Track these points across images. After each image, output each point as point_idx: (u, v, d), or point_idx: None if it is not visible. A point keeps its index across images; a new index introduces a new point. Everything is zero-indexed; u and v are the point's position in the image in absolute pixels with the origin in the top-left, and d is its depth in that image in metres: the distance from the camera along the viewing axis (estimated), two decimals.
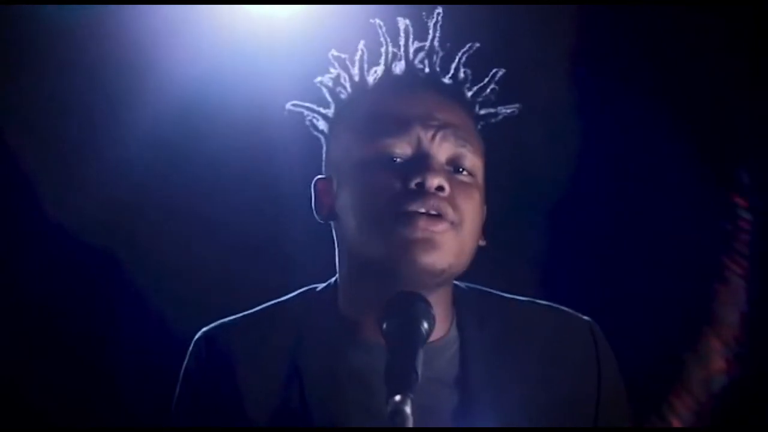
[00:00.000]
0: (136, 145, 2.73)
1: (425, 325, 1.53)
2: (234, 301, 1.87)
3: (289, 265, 2.61)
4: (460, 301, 1.79)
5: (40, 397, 2.77)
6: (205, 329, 1.81)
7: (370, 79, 1.80)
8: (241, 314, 1.83)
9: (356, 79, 1.80)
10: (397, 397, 1.36)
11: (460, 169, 1.72)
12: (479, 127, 1.82)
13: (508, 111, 1.83)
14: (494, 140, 1.82)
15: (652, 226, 2.64)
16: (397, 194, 1.67)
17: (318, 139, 1.85)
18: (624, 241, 2.67)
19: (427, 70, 1.79)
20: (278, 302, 1.83)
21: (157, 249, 2.77)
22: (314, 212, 1.80)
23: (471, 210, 1.70)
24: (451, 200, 1.68)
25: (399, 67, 1.79)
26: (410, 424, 1.34)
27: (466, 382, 1.72)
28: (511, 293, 1.87)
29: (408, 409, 1.35)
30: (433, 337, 1.68)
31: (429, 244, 1.65)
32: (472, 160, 1.73)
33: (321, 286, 1.82)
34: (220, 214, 2.79)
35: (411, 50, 1.78)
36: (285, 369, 1.72)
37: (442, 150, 1.71)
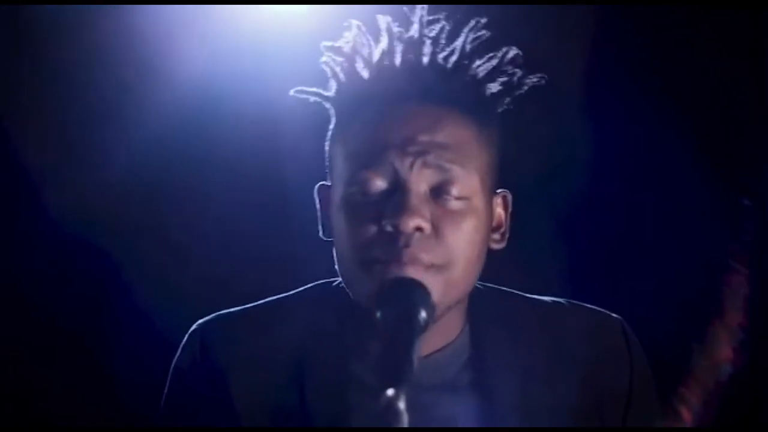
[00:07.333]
0: (142, 143, 2.73)
1: (423, 314, 1.43)
2: (239, 300, 1.83)
3: (296, 264, 2.58)
4: (476, 303, 1.69)
5: (39, 396, 2.77)
6: (201, 321, 1.72)
7: (365, 73, 1.63)
8: (242, 306, 1.74)
9: (348, 73, 1.65)
10: (390, 392, 1.24)
11: (447, 197, 1.56)
12: (504, 107, 1.66)
13: (535, 80, 1.65)
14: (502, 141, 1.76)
15: (661, 219, 2.63)
16: (370, 240, 1.54)
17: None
18: (632, 234, 2.65)
19: (423, 59, 1.61)
20: (287, 296, 1.74)
21: (162, 247, 2.77)
22: (319, 224, 1.69)
23: (462, 242, 1.55)
24: (432, 240, 1.53)
25: (395, 60, 1.62)
26: (404, 421, 1.24)
27: (486, 386, 1.64)
28: (523, 289, 1.81)
29: (402, 405, 1.24)
30: (444, 341, 1.64)
31: None
32: (463, 183, 1.56)
33: (338, 280, 1.70)
34: (226, 212, 2.79)
35: (399, 48, 1.62)
36: (287, 368, 1.63)
37: (422, 179, 1.54)
